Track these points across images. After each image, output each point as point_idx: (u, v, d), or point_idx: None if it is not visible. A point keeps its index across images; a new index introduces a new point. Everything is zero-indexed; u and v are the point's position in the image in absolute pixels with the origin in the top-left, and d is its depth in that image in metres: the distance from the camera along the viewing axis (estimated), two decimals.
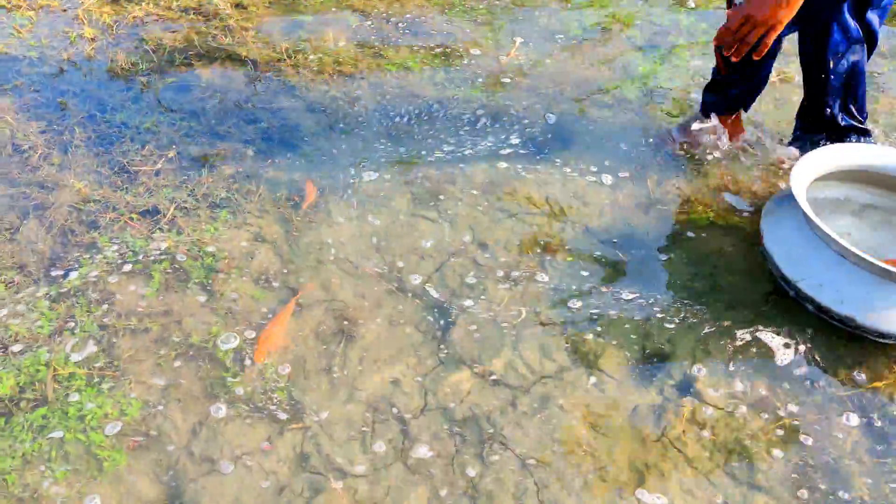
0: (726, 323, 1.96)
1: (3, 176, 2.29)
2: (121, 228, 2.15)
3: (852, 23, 2.15)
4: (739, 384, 1.83)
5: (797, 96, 2.46)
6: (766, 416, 1.77)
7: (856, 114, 2.32)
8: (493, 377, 1.82)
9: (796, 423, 1.76)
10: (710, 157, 2.45)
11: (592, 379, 1.83)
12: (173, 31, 2.91)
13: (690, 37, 3.11)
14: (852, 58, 2.20)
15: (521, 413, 1.75)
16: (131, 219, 2.18)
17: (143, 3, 3.03)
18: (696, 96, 2.69)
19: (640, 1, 3.38)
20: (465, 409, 1.76)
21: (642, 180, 2.38)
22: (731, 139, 2.47)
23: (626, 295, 2.03)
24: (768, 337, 1.93)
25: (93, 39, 2.85)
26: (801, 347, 1.91)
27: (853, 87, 2.27)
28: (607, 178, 2.38)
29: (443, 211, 2.26)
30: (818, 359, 1.89)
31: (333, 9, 3.07)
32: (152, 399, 1.75)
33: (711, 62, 2.80)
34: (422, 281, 2.05)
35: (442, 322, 1.95)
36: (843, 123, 2.32)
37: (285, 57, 2.80)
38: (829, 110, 2.30)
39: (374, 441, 1.69)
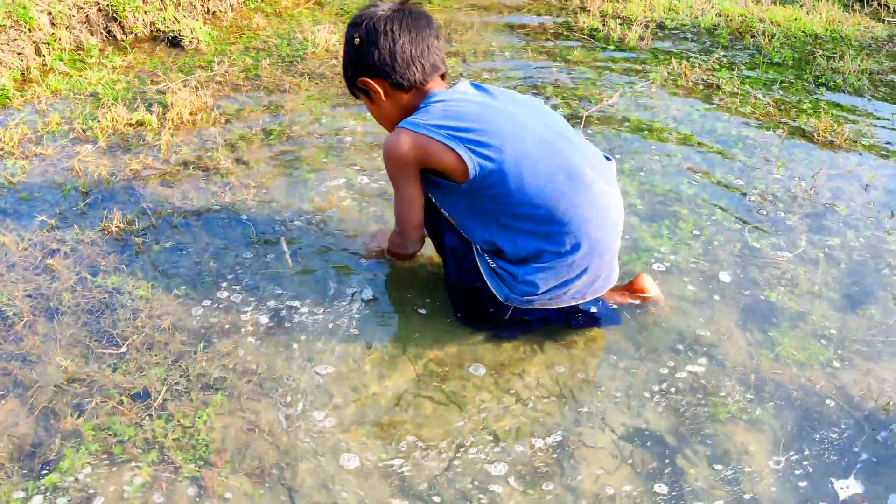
0: None
1: None
2: (108, 414, 2.00)
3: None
4: None
5: None
6: None
7: None
8: None
9: None
10: None
11: None
12: (171, 187, 2.83)
13: None
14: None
15: None
16: (121, 402, 2.04)
17: (141, 156, 2.97)
18: None
19: None
20: None
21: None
22: None
23: None
24: None
25: (86, 193, 2.77)
26: None
27: None
28: None
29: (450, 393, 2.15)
30: None
31: (334, 168, 3.03)
32: None
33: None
34: (427, 486, 1.91)
35: None
36: None
37: (287, 221, 2.72)
38: None
39: None
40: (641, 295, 2.44)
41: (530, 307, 2.23)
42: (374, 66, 2.16)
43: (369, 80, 2.19)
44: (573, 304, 2.24)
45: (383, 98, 2.21)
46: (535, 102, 2.25)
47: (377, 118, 2.33)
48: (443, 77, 2.25)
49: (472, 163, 2.07)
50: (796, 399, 2.19)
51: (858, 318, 2.48)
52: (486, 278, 2.24)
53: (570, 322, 2.34)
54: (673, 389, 2.21)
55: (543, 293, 2.19)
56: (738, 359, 2.31)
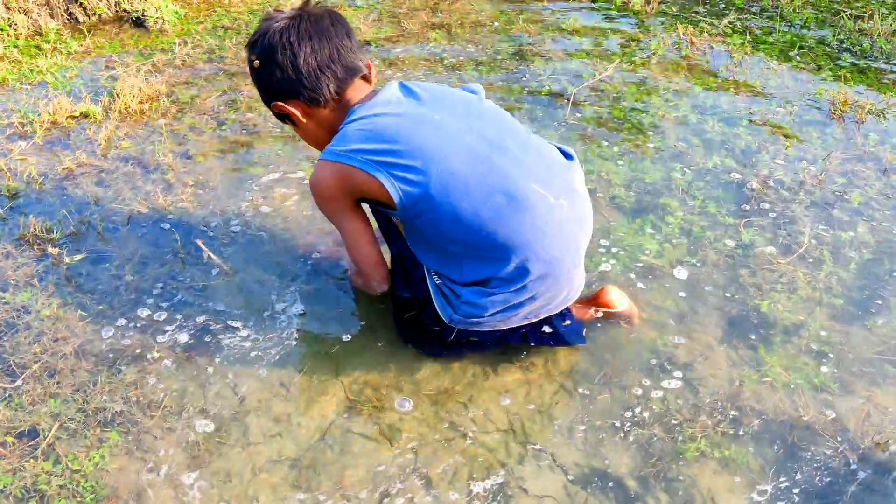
0: None
1: None
2: None
3: None
4: None
5: None
6: None
7: None
8: None
9: None
10: None
11: None
12: (105, 187, 2.60)
13: None
14: None
15: None
16: (3, 443, 1.83)
17: (78, 152, 2.73)
18: None
19: None
20: None
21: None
22: None
23: None
24: None
25: (13, 196, 2.54)
26: None
27: None
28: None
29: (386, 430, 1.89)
30: None
31: (286, 161, 2.76)
32: None
33: None
34: None
35: None
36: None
37: (220, 224, 2.47)
38: None
39: None
40: (606, 310, 2.14)
41: (478, 329, 1.96)
42: (281, 88, 1.88)
43: (281, 104, 1.92)
44: (526, 323, 1.96)
45: (303, 119, 1.94)
46: (467, 101, 1.93)
47: (309, 142, 2.06)
48: (366, 78, 1.94)
49: (395, 190, 1.80)
50: (779, 433, 1.89)
51: (864, 332, 2.14)
52: (432, 295, 1.97)
53: (528, 341, 2.05)
54: (638, 422, 1.92)
55: (491, 315, 1.91)
56: (716, 383, 2.00)
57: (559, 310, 1.97)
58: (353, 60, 1.90)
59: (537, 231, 1.81)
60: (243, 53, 3.32)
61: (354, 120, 1.86)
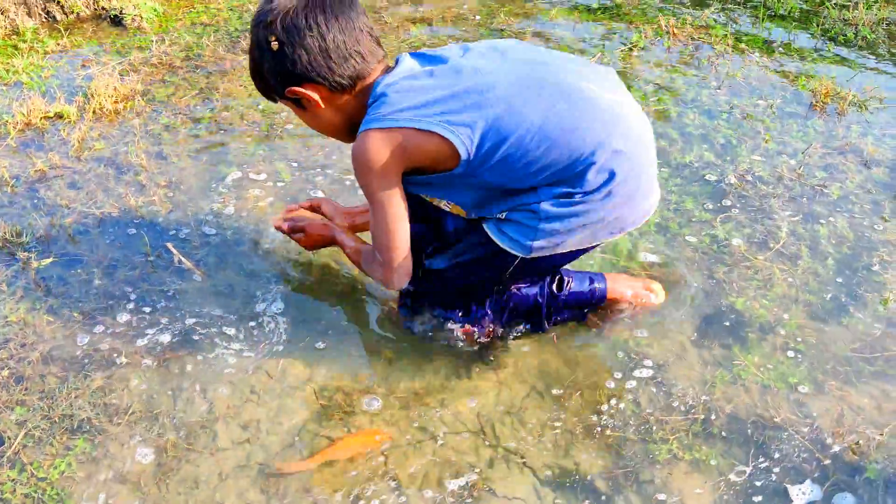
0: None
1: None
2: None
3: None
4: None
5: None
6: None
7: None
8: None
9: None
10: None
11: None
12: (77, 189, 2.57)
13: None
14: None
15: None
16: None
17: (51, 153, 2.71)
18: None
19: None
20: None
21: None
22: None
23: None
24: None
25: None
26: None
27: None
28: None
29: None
30: None
31: (261, 161, 2.73)
32: None
33: None
34: None
35: None
36: None
37: (193, 226, 2.45)
38: None
39: None
40: (648, 299, 2.14)
41: (555, 251, 1.81)
42: (305, 72, 1.72)
43: (299, 90, 1.75)
44: (609, 239, 1.85)
45: (322, 106, 1.78)
46: (487, 44, 1.82)
47: (320, 129, 1.89)
48: (383, 61, 1.81)
49: (459, 140, 1.67)
50: (751, 434, 1.87)
51: (839, 329, 2.13)
52: (494, 238, 1.83)
53: (551, 316, 2.08)
54: (609, 423, 1.90)
55: (583, 226, 1.77)
56: (688, 383, 1.99)
57: (643, 220, 1.86)
58: (375, 40, 1.78)
59: (608, 126, 1.71)
60: (221, 50, 3.30)
61: (389, 88, 1.72)
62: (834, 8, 3.75)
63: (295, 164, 2.70)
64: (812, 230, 2.43)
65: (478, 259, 1.92)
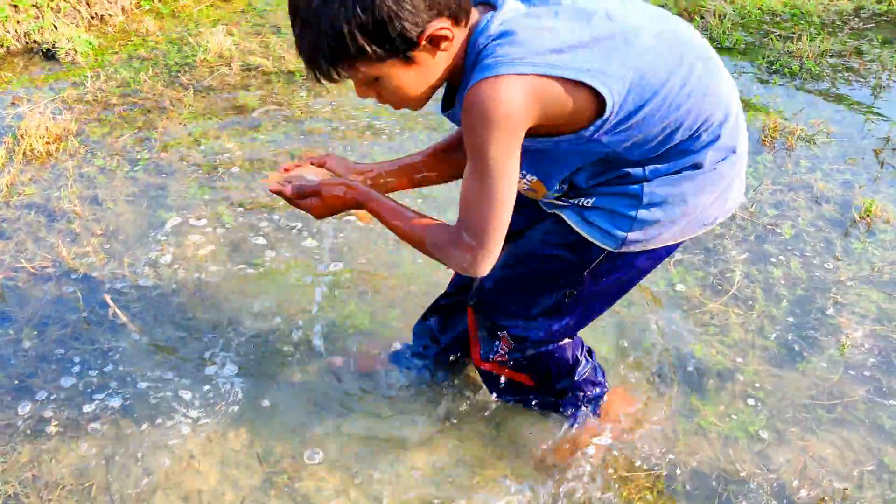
0: None
1: None
2: None
3: None
4: None
5: None
6: None
7: None
8: None
9: None
10: None
11: None
12: (6, 239, 2.44)
13: None
14: None
15: None
16: None
17: None
18: None
19: None
20: None
21: None
22: None
23: None
24: None
25: None
26: None
27: None
28: None
29: None
30: None
31: (201, 205, 2.62)
32: None
33: None
34: None
35: None
36: None
37: (128, 278, 2.33)
38: None
39: None
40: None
41: (651, 246, 1.53)
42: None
43: (435, 28, 1.31)
44: (698, 233, 1.56)
45: (445, 50, 1.36)
46: None
47: (411, 91, 1.42)
48: None
49: (609, 93, 1.35)
50: (715, 487, 1.82)
51: (797, 375, 2.10)
52: (580, 230, 1.54)
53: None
54: (569, 484, 1.83)
55: (693, 207, 1.49)
56: (652, 436, 1.93)
57: (733, 210, 1.59)
58: None
59: (733, 91, 1.49)
60: (159, 86, 3.19)
61: (513, 23, 1.36)
62: (778, 40, 3.79)
63: (240, 209, 2.60)
64: (766, 271, 2.41)
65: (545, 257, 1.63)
